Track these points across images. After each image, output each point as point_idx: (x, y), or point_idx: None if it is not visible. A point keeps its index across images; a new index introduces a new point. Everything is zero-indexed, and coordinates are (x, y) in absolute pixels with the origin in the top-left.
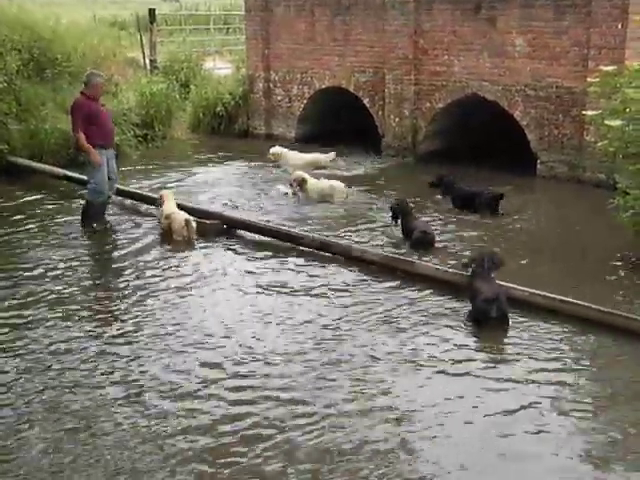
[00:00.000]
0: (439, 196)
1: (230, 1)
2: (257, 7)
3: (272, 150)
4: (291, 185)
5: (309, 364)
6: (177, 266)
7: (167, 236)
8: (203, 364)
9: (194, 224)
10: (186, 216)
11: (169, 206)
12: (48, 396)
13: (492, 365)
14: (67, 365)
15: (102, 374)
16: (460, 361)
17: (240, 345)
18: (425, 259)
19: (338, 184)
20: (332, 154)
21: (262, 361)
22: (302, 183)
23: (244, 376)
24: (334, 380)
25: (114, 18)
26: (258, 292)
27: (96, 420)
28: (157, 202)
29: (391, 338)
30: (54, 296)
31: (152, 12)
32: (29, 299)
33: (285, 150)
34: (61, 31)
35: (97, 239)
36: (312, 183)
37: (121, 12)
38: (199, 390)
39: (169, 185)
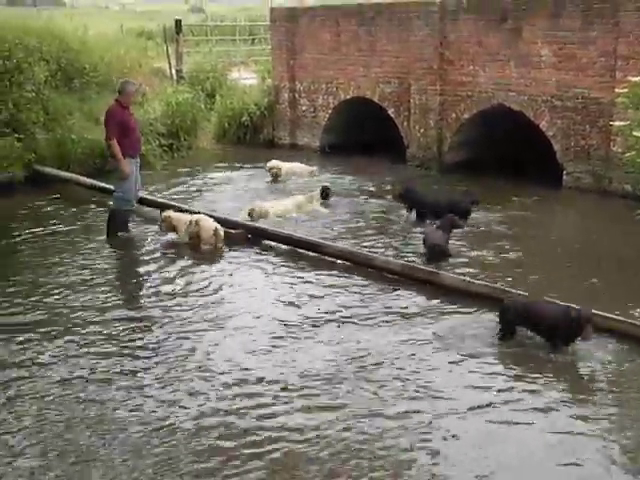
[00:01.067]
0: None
1: (256, 12)
2: (282, 18)
3: (270, 164)
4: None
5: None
6: (203, 276)
7: (195, 243)
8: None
9: (222, 232)
10: (215, 224)
11: (188, 215)
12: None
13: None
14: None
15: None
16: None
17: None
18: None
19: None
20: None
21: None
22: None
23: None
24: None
25: (141, 29)
26: (285, 301)
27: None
28: (160, 225)
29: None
30: (78, 306)
31: (178, 23)
32: (49, 312)
33: (283, 163)
34: (89, 42)
35: (122, 248)
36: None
37: (148, 23)
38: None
39: (194, 194)
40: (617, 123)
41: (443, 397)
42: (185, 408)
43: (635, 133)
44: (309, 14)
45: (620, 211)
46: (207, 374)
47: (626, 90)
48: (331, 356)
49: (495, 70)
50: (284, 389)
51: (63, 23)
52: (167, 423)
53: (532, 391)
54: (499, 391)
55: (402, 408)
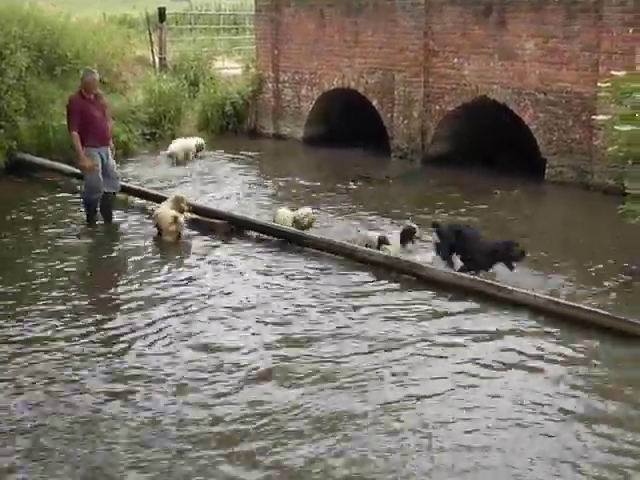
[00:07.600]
0: None
1: (240, 1)
2: (267, 7)
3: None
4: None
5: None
6: (180, 265)
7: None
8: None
9: (182, 219)
10: (172, 212)
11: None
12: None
13: None
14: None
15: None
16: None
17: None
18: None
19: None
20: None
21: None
22: None
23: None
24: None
25: (124, 17)
26: (265, 289)
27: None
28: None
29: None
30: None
31: (162, 11)
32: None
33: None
34: (71, 28)
35: (98, 238)
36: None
37: (131, 11)
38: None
39: (175, 183)
40: (600, 117)
41: None
42: None
43: (617, 127)
44: (294, 4)
45: (602, 205)
46: None
47: (608, 84)
48: None
49: (479, 62)
50: None
51: (46, 9)
52: None
53: None
54: None
55: None
